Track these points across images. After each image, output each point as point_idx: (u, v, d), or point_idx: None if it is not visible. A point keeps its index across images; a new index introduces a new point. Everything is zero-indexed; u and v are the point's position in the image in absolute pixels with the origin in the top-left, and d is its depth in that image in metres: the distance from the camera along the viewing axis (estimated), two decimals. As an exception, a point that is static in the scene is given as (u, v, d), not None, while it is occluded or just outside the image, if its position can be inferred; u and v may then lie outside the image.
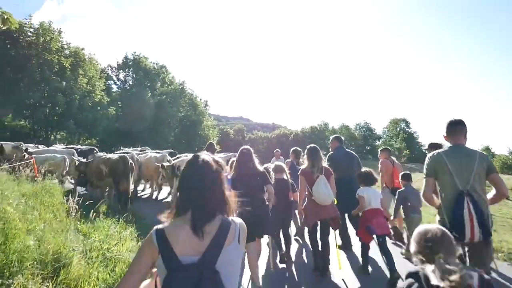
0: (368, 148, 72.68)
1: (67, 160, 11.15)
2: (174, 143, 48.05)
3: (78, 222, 6.60)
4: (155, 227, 1.70)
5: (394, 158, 7.79)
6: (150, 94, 48.57)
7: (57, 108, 34.97)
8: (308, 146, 5.73)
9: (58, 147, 15.89)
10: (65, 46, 37.36)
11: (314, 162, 5.41)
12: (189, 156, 11.54)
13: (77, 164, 10.98)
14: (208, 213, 1.71)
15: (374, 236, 5.29)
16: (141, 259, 1.64)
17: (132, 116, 44.24)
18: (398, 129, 71.94)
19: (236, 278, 1.70)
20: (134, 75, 50.11)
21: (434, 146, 6.52)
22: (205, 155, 1.90)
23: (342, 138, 7.24)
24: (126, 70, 50.16)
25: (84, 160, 11.25)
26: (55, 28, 36.04)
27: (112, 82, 49.78)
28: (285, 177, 5.80)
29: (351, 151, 7.02)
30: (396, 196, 6.46)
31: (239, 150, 5.04)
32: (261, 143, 74.65)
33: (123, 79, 50.60)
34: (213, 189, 1.77)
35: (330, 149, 7.11)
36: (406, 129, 71.65)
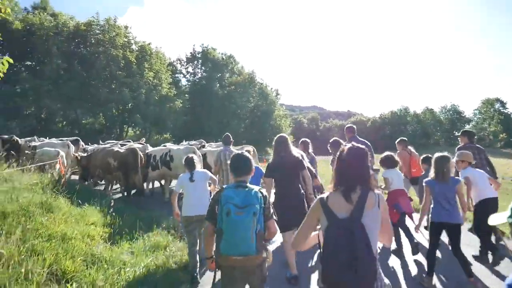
0: (456, 133, 65.12)
1: (62, 153, 10.10)
2: (245, 135, 46.31)
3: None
4: (319, 197, 2.34)
5: (411, 148, 7.77)
6: (218, 85, 47.37)
7: (129, 104, 34.88)
8: (331, 140, 6.77)
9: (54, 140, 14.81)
10: (132, 41, 37.23)
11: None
12: (170, 146, 11.10)
13: (79, 158, 10.28)
14: (354, 186, 2.26)
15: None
16: (312, 218, 2.34)
17: (201, 109, 43.33)
18: (492, 111, 63.62)
19: (376, 233, 2.22)
20: (202, 67, 49.13)
21: (466, 134, 6.60)
22: (356, 144, 2.41)
23: (354, 127, 7.76)
24: (195, 62, 49.40)
25: (84, 154, 10.73)
26: (121, 24, 36.03)
27: (182, 75, 49.62)
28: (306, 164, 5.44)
29: (365, 141, 6.90)
30: (419, 181, 6.47)
31: (275, 139, 4.96)
32: (336, 131, 70.75)
33: (192, 71, 50.01)
34: (363, 169, 2.32)
35: (346, 139, 7.25)
36: (502, 110, 63.69)
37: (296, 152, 4.92)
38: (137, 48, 37.70)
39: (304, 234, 2.35)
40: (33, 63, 31.65)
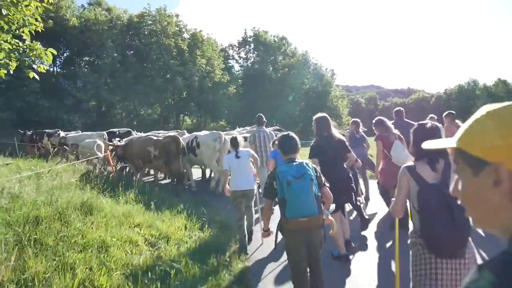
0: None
1: (100, 143, 9.95)
2: (301, 118, 45.05)
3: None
4: (405, 165, 2.61)
5: (458, 122, 7.39)
6: (271, 68, 46.26)
7: (183, 93, 35.10)
8: (375, 119, 6.24)
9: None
10: (183, 30, 37.23)
11: (387, 128, 5.83)
12: (196, 133, 10.50)
13: (111, 147, 9.87)
14: (437, 157, 2.50)
15: None
16: (403, 183, 2.55)
17: (255, 93, 42.61)
18: None
19: None
20: (255, 52, 48.16)
21: None
22: (428, 121, 2.81)
23: (402, 110, 7.42)
24: (247, 47, 48.55)
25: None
26: (172, 13, 36.07)
27: (234, 61, 49.07)
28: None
29: (411, 122, 6.68)
30: None
31: (314, 118, 4.92)
32: (397, 110, 67.03)
33: (244, 56, 49.21)
34: None
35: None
36: None
37: (337, 132, 4.94)
38: (188, 36, 37.62)
39: (402, 200, 2.59)
40: (91, 58, 32.59)
